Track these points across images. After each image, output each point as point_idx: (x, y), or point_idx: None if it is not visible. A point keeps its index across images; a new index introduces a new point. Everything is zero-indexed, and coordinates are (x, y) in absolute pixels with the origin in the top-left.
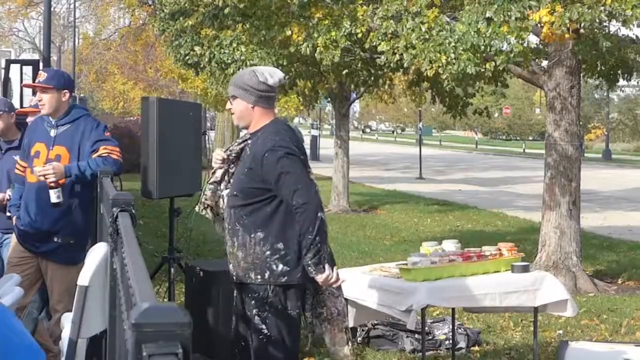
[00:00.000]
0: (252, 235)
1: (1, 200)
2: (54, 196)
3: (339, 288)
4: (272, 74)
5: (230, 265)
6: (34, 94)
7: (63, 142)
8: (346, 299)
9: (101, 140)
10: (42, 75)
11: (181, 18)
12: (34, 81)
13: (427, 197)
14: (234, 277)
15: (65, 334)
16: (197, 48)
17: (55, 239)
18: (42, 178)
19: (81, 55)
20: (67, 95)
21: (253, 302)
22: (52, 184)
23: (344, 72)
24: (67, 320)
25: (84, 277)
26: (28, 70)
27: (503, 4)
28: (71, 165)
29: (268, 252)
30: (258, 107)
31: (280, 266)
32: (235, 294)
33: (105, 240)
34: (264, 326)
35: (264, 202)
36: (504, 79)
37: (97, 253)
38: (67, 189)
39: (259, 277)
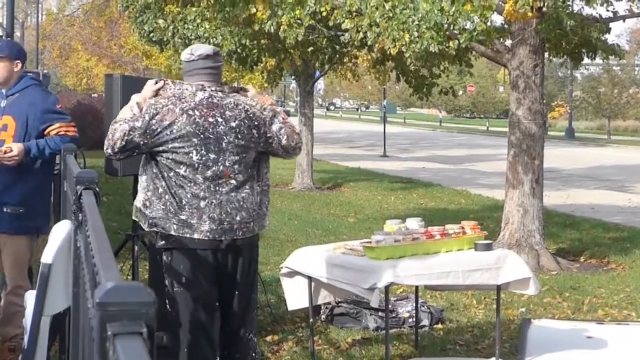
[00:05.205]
0: None
1: None
2: None
3: None
4: (194, 49)
5: None
6: None
7: (10, 111)
8: (310, 277)
9: (54, 113)
10: None
11: None
12: None
13: (391, 175)
14: None
15: (29, 312)
16: (160, 21)
17: (5, 209)
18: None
19: (45, 31)
20: (19, 66)
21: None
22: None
23: (309, 49)
24: (30, 298)
25: (48, 254)
26: None
27: None
28: (30, 143)
29: None
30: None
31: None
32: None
33: (68, 217)
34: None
35: None
36: (468, 59)
37: (60, 230)
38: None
39: None
